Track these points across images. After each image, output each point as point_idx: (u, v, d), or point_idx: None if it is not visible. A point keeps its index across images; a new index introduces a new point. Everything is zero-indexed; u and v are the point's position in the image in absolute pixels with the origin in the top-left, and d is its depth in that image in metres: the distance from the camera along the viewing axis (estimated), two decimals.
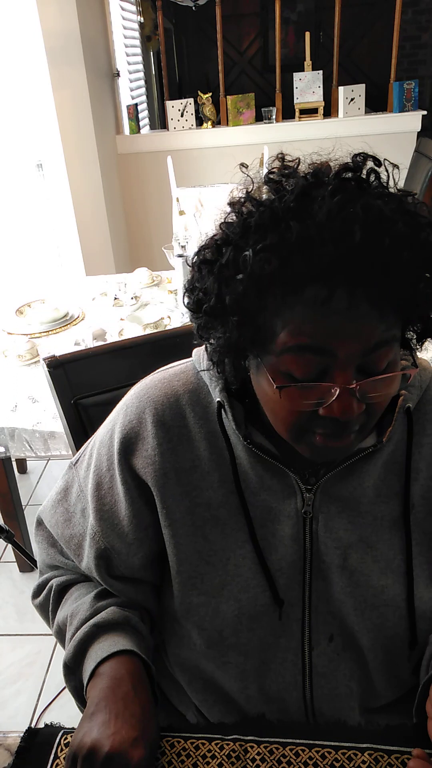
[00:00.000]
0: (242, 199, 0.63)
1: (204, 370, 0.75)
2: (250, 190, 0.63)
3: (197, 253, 0.66)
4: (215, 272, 0.62)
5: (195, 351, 0.79)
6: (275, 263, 0.56)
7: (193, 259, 0.67)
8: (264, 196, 0.62)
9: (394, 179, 0.61)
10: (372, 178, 0.60)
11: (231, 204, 0.64)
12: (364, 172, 0.60)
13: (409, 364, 0.72)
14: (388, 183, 0.61)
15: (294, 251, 0.56)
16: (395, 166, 0.62)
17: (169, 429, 0.74)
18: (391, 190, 0.60)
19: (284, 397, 0.62)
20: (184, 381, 0.77)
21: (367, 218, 0.55)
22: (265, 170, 0.64)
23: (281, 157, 0.64)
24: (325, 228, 0.55)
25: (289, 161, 0.64)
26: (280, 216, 0.57)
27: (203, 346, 0.77)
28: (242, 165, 0.66)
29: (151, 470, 0.74)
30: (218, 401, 0.73)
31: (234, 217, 0.63)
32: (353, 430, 0.64)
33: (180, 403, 0.75)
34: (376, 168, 0.61)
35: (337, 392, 0.59)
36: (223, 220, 0.64)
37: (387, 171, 0.61)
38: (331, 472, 0.72)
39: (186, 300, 0.68)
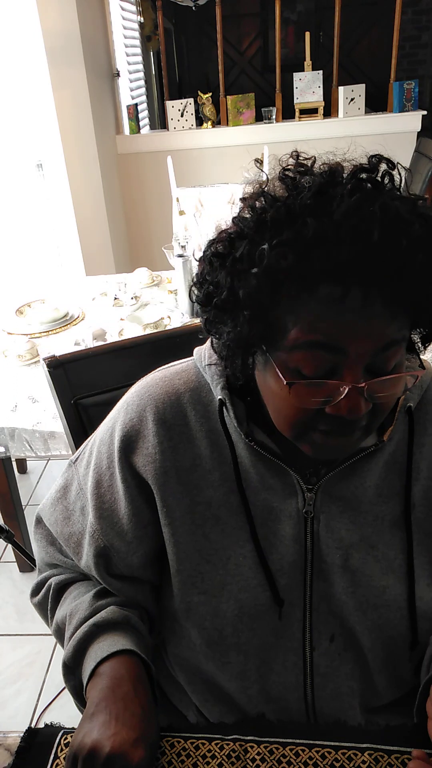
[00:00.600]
0: (256, 194, 0.63)
1: (208, 365, 0.75)
2: (264, 186, 0.63)
3: (208, 246, 0.66)
4: (228, 266, 0.62)
5: (196, 350, 0.79)
6: (291, 259, 0.56)
7: (205, 251, 0.66)
8: (278, 194, 0.62)
9: (406, 183, 0.61)
10: (386, 180, 0.60)
11: (243, 199, 0.64)
12: (379, 173, 0.60)
13: (414, 366, 0.72)
14: (400, 186, 0.61)
15: (310, 248, 0.56)
16: (408, 169, 0.62)
17: (170, 427, 0.74)
18: (403, 193, 0.61)
19: (292, 394, 0.62)
20: (185, 379, 0.77)
21: (385, 218, 0.55)
22: (266, 170, 0.64)
23: (296, 155, 0.64)
24: (343, 226, 0.55)
25: (305, 159, 0.64)
26: (297, 212, 0.57)
27: (205, 345, 0.77)
28: (257, 160, 0.67)
29: (151, 468, 0.74)
30: (219, 399, 0.73)
31: (247, 212, 0.63)
32: (357, 429, 0.64)
33: (181, 402, 0.75)
34: (390, 170, 0.61)
35: (346, 390, 0.59)
36: (236, 215, 0.64)
37: (400, 174, 0.61)
38: (332, 471, 0.72)
39: (195, 293, 0.68)
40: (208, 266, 0.66)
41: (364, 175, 0.60)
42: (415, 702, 0.72)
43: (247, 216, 0.62)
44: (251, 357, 0.67)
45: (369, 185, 0.59)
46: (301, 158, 0.64)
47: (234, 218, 0.64)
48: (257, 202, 0.62)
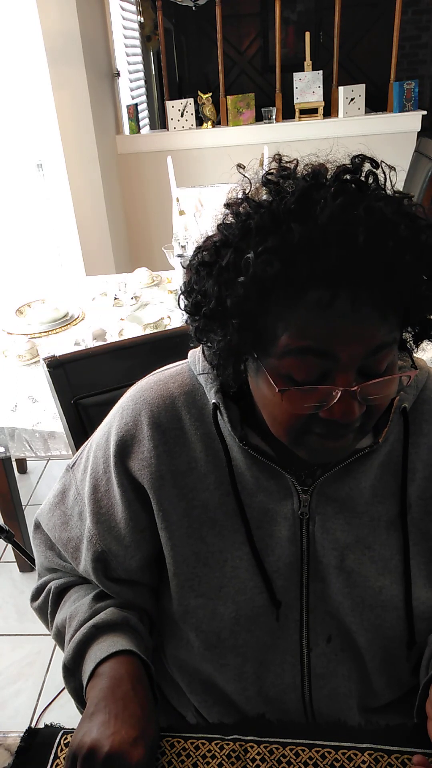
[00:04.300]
0: (239, 200, 0.62)
1: (201, 374, 0.75)
2: (247, 191, 0.63)
3: (195, 255, 0.66)
4: (215, 275, 0.62)
5: (191, 353, 0.79)
6: (277, 266, 0.56)
7: (191, 260, 0.66)
8: (263, 197, 0.61)
9: (391, 181, 0.61)
10: (370, 180, 0.60)
11: (228, 205, 0.64)
12: (363, 174, 0.60)
13: (407, 366, 0.72)
14: (385, 185, 0.61)
15: (296, 253, 0.55)
16: (392, 168, 0.62)
17: (164, 431, 0.74)
18: (388, 192, 0.60)
19: (285, 400, 0.61)
20: (179, 383, 0.77)
21: (370, 221, 0.55)
22: (265, 171, 0.64)
23: (278, 158, 0.64)
24: (328, 230, 0.55)
25: (287, 162, 0.63)
26: (282, 218, 0.57)
27: (199, 348, 0.77)
28: (239, 165, 0.66)
29: (147, 473, 0.74)
30: (213, 403, 0.73)
31: (231, 219, 0.62)
32: (352, 431, 0.64)
33: (176, 405, 0.75)
34: (374, 170, 0.60)
35: (339, 395, 0.59)
36: (221, 221, 0.63)
37: (384, 173, 0.61)
38: (327, 473, 0.72)
39: (183, 302, 0.68)
40: (195, 275, 0.65)
41: (347, 176, 0.59)
42: (413, 702, 0.72)
43: (231, 222, 0.62)
44: (242, 364, 0.67)
45: (353, 186, 0.58)
46: (283, 161, 0.63)
47: (218, 225, 0.63)
48: (241, 208, 0.62)
